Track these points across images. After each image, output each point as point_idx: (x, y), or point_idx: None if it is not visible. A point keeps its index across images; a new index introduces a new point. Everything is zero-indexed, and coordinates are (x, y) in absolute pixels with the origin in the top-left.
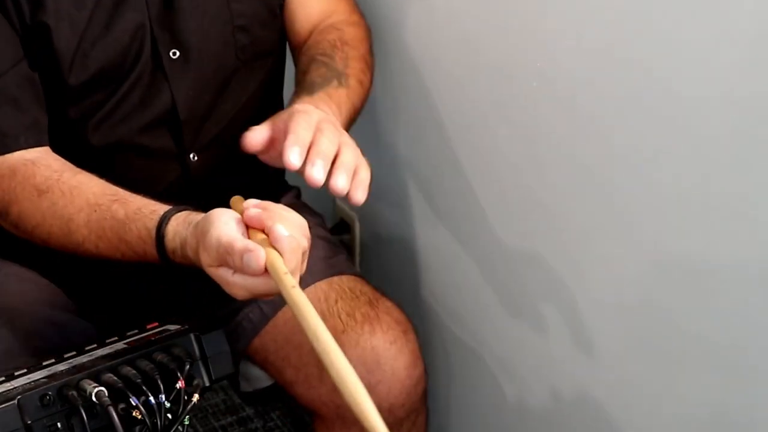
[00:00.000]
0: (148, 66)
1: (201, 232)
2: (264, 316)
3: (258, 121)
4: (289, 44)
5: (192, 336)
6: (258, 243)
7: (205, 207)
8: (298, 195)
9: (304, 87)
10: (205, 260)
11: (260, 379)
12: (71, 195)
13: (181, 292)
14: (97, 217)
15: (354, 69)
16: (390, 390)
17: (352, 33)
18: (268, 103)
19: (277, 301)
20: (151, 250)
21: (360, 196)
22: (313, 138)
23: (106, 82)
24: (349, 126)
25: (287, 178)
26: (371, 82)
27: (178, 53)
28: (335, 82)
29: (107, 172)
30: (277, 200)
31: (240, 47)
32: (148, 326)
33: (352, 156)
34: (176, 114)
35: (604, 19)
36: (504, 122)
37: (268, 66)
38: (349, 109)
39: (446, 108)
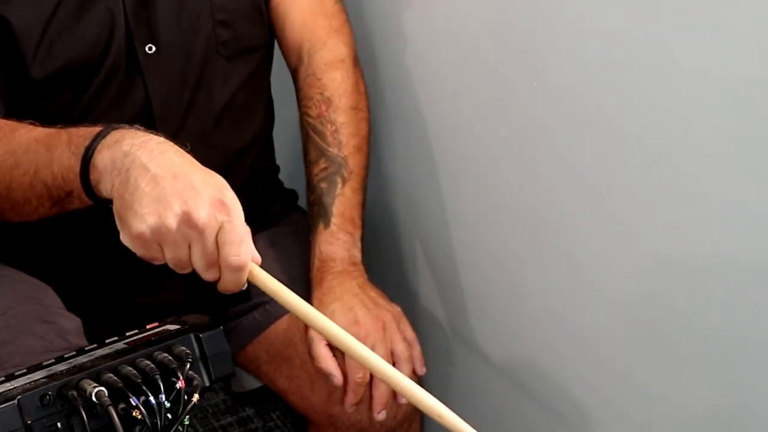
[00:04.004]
0: (122, 61)
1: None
2: (257, 326)
3: (244, 118)
4: (285, 58)
5: (192, 336)
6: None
7: None
8: (295, 199)
9: (315, 202)
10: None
11: (251, 380)
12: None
13: (172, 292)
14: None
15: (347, 139)
16: None
17: (331, 84)
18: (255, 99)
19: (271, 312)
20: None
21: (421, 371)
22: (368, 378)
23: (75, 77)
24: (364, 199)
25: (282, 178)
26: (367, 106)
27: (154, 48)
28: (339, 183)
29: None
30: (271, 206)
31: (221, 42)
32: (148, 326)
33: (407, 374)
34: (151, 112)
35: (603, 19)
36: (503, 122)
37: (254, 62)
38: (360, 202)
39: (444, 108)
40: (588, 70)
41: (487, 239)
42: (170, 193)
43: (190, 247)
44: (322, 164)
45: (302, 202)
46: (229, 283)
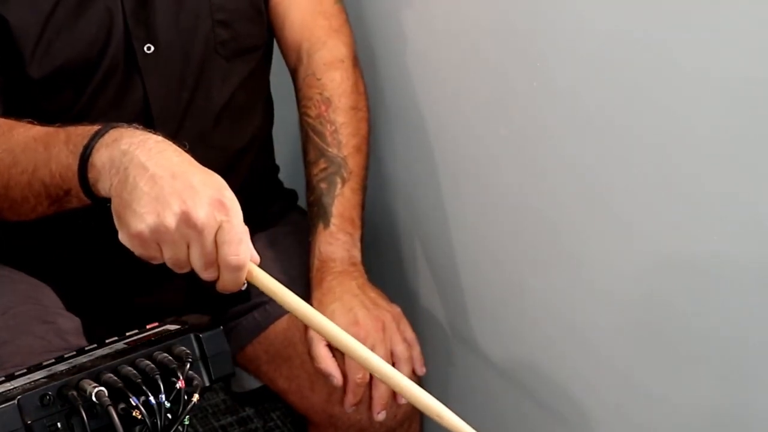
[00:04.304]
0: (120, 61)
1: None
2: (257, 326)
3: (243, 118)
4: (284, 58)
5: (192, 336)
6: None
7: None
8: (295, 199)
9: (314, 202)
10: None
11: (251, 380)
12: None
13: (172, 292)
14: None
15: (347, 139)
16: None
17: (331, 84)
18: (254, 99)
19: (271, 312)
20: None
21: (421, 371)
22: (368, 379)
23: (73, 76)
24: (364, 200)
25: (282, 178)
26: (366, 107)
27: (153, 48)
28: (339, 183)
29: None
30: (270, 206)
31: (220, 42)
32: (148, 326)
33: (406, 375)
34: (150, 112)
35: (603, 19)
36: (503, 122)
37: (253, 62)
38: (359, 202)
39: (444, 108)
40: (588, 70)
41: (487, 239)
42: (169, 192)
43: (188, 246)
44: (322, 164)
45: (302, 202)
46: (227, 283)
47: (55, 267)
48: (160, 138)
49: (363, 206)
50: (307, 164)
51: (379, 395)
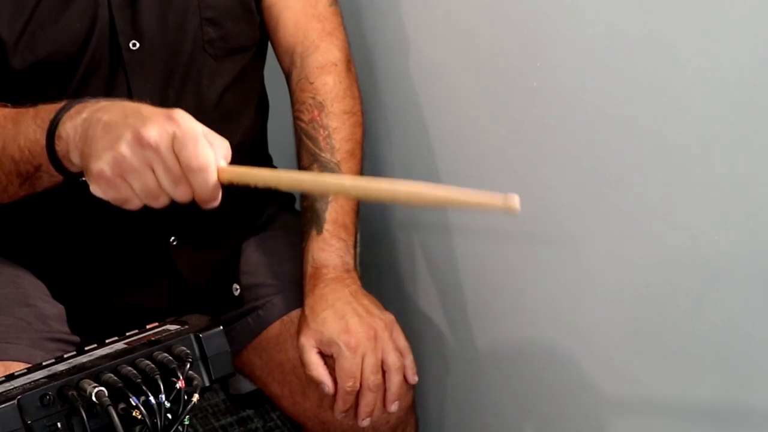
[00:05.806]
0: (103, 57)
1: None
2: (251, 331)
3: (233, 120)
4: (279, 61)
5: (192, 336)
6: None
7: (190, 227)
8: (292, 202)
9: (307, 208)
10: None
11: (246, 382)
12: None
13: (155, 298)
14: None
15: (340, 144)
16: None
17: (323, 88)
18: (245, 101)
19: (264, 317)
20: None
21: (413, 380)
22: (358, 387)
23: (56, 70)
24: (357, 205)
25: None
26: (361, 111)
27: (138, 44)
28: None
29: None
30: (265, 209)
31: (208, 41)
32: (148, 326)
33: (396, 384)
34: None
35: (604, 18)
36: (504, 122)
37: (243, 62)
38: (353, 207)
39: (445, 108)
40: (588, 70)
41: (487, 240)
42: (121, 126)
43: (153, 171)
44: (315, 170)
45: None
46: (201, 191)
47: (41, 264)
48: (120, 100)
49: (357, 212)
50: (301, 169)
51: (365, 403)
